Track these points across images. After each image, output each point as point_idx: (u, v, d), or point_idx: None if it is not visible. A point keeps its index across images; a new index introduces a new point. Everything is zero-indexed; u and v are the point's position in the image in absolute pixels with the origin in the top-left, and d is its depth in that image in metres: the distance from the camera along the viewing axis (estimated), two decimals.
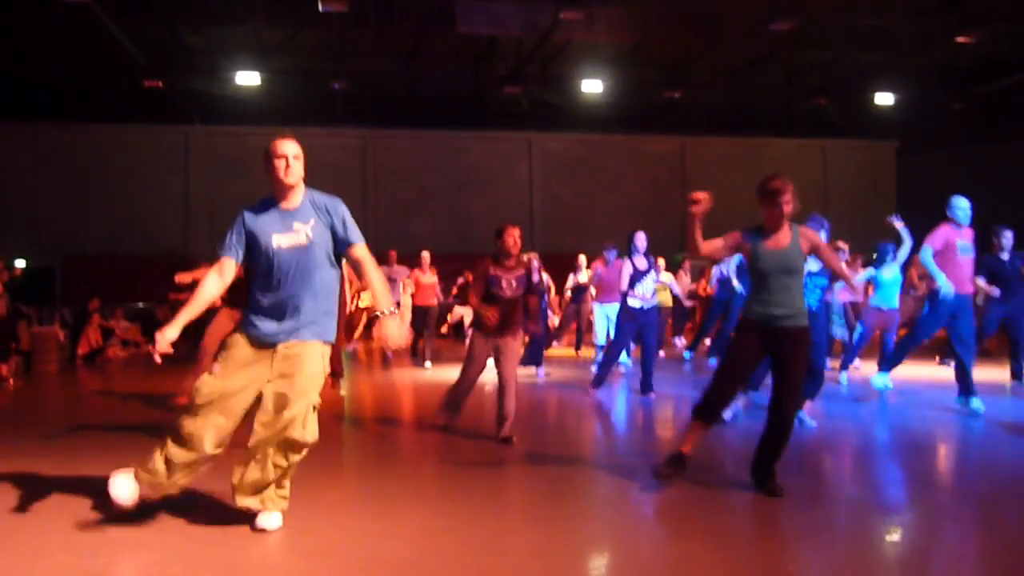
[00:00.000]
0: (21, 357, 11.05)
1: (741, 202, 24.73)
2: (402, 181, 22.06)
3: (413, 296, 12.25)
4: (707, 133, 23.66)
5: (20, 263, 11.10)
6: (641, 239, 8.38)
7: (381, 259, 6.38)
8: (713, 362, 11.05)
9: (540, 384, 9.76)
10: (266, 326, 3.88)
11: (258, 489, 3.91)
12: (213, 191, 21.71)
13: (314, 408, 3.83)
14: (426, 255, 12.35)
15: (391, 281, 12.17)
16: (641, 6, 15.91)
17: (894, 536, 3.96)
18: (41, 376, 11.14)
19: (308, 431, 3.78)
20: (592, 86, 18.82)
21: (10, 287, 10.55)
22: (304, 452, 3.85)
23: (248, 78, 18.01)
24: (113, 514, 4.15)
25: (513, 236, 6.14)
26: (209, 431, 3.84)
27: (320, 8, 13.58)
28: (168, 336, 3.82)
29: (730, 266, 10.99)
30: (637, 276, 8.24)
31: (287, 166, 3.88)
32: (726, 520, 4.23)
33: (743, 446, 6.38)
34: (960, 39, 15.77)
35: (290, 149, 3.91)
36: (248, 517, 4.29)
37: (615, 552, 3.76)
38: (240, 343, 3.92)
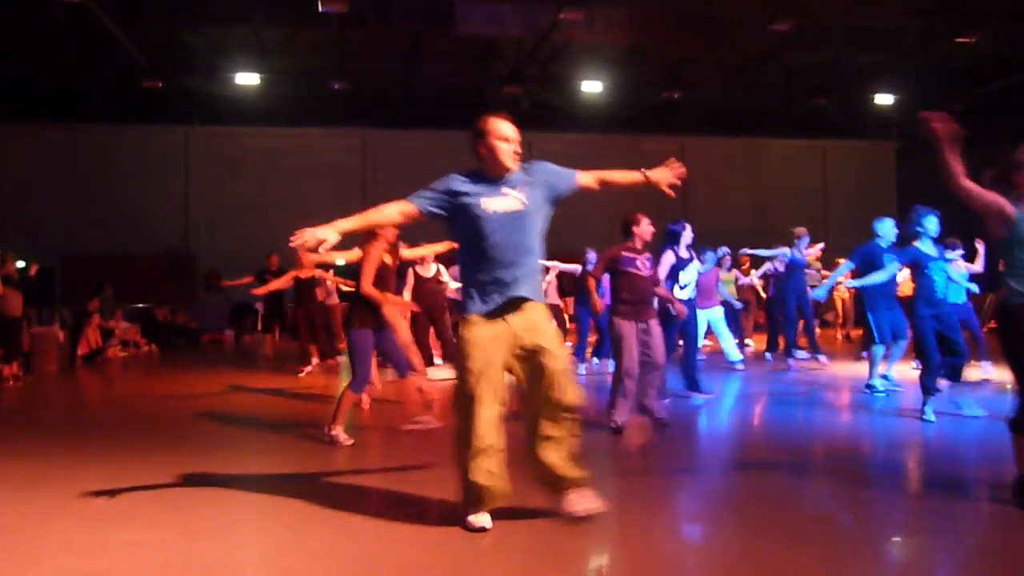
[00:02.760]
0: (21, 357, 11.05)
1: (741, 202, 24.83)
2: (402, 181, 21.72)
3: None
4: (707, 133, 23.66)
5: (20, 263, 11.07)
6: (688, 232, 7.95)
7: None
8: (792, 361, 10.58)
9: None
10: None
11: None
12: (213, 191, 21.72)
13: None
14: None
15: (439, 283, 11.75)
16: (641, 6, 15.92)
17: (896, 536, 3.96)
18: (41, 376, 11.14)
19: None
20: (592, 86, 18.83)
21: (22, 285, 10.57)
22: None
23: (248, 78, 18.02)
24: (114, 515, 4.16)
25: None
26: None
27: (320, 8, 13.58)
28: (325, 236, 3.67)
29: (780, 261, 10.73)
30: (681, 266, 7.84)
31: (517, 153, 3.86)
32: (725, 519, 4.23)
33: (740, 447, 6.39)
34: (960, 39, 15.77)
35: (516, 133, 3.87)
36: (247, 516, 4.29)
37: (615, 552, 3.76)
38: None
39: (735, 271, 12.78)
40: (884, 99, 20.10)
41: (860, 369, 9.91)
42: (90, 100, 20.26)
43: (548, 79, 19.55)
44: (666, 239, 7.75)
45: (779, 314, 11.37)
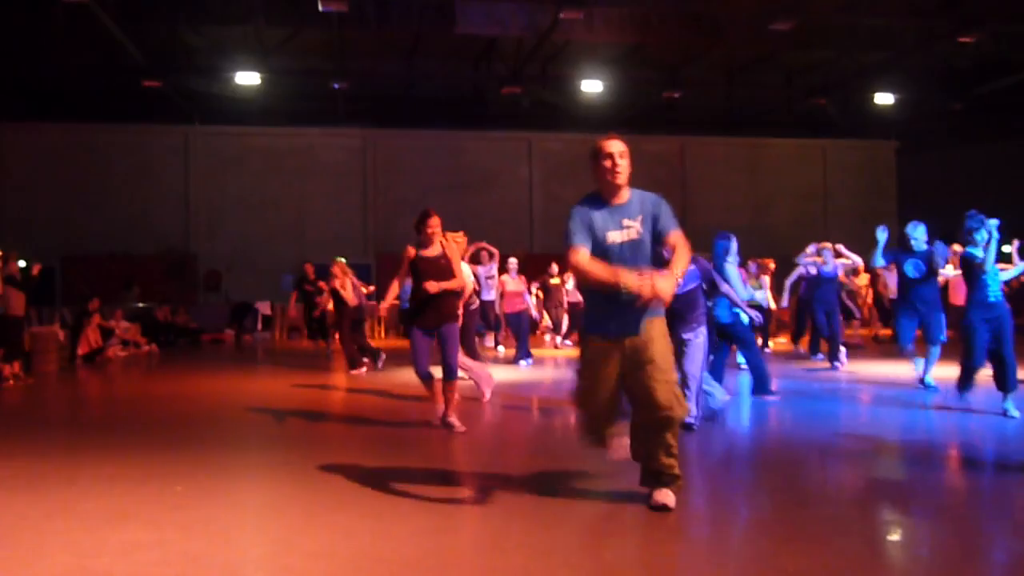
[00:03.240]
0: (22, 357, 11.04)
1: (741, 202, 24.81)
2: (402, 181, 22.07)
3: (503, 303, 11.95)
4: (707, 133, 23.67)
5: (22, 263, 11.08)
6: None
7: (392, 261, 6.34)
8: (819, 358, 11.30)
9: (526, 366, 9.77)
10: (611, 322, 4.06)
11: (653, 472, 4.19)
12: (213, 191, 21.73)
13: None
14: (513, 261, 11.95)
15: (489, 279, 11.82)
16: (641, 6, 15.93)
17: (895, 536, 3.96)
18: (41, 376, 11.14)
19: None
20: (592, 86, 18.84)
21: (25, 286, 10.55)
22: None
23: (248, 78, 18.02)
24: (114, 515, 4.16)
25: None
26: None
27: (320, 8, 13.59)
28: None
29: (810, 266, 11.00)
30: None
31: (615, 165, 4.03)
32: (726, 519, 4.23)
33: (742, 447, 6.39)
34: (960, 39, 15.77)
35: (617, 147, 4.07)
36: (247, 516, 4.29)
37: (615, 552, 3.76)
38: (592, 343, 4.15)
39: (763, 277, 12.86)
40: (884, 99, 20.11)
41: (870, 369, 10.00)
42: (90, 100, 20.27)
43: (548, 79, 19.57)
44: (716, 252, 7.64)
45: (808, 315, 11.73)
